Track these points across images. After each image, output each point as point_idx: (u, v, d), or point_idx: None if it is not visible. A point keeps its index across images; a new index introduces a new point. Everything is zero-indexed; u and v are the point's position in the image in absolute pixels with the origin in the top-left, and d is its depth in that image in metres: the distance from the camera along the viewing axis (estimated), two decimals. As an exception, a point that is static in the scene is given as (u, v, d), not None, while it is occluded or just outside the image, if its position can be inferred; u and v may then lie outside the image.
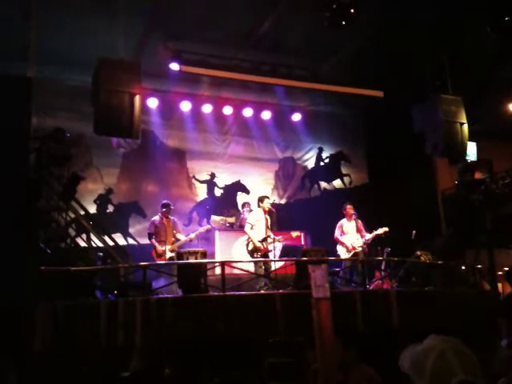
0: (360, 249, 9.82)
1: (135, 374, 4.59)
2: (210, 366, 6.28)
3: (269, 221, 9.20)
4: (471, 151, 12.24)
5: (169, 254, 9.27)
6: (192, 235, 9.62)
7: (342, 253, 9.82)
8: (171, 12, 9.22)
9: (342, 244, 9.84)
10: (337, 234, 9.93)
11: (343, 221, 10.01)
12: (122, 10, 8.06)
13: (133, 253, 10.69)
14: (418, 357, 1.90)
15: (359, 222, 10.00)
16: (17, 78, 10.40)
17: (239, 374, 5.31)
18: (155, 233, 9.47)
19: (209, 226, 10.36)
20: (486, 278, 10.80)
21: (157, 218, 9.65)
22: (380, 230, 9.86)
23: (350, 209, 10.00)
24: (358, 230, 9.95)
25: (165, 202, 9.83)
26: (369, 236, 9.86)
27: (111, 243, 10.70)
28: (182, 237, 9.60)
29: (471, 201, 12.03)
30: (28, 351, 6.59)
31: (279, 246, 9.52)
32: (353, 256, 9.74)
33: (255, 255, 8.97)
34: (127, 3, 8.08)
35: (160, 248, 9.27)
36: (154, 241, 9.41)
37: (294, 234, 9.42)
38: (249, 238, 9.09)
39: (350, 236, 9.91)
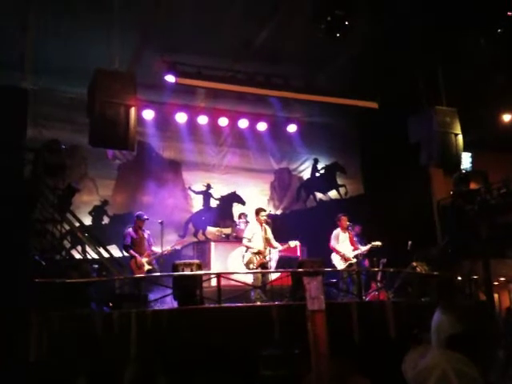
0: (355, 260, 9.86)
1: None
2: (205, 377, 6.23)
3: (268, 232, 9.19)
4: (466, 162, 12.27)
5: (146, 267, 9.23)
6: (168, 248, 9.46)
7: (337, 261, 9.84)
8: (167, 24, 9.25)
9: (338, 253, 9.84)
10: (333, 243, 9.93)
11: (338, 231, 10.03)
12: (117, 21, 8.07)
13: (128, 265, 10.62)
14: (420, 374, 1.89)
15: (352, 233, 10.10)
16: (12, 88, 10.38)
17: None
18: (132, 244, 9.36)
19: (183, 244, 10.30)
20: (482, 289, 10.78)
21: (131, 229, 9.47)
22: (374, 243, 9.96)
23: (344, 220, 10.02)
24: (352, 242, 9.99)
25: (138, 212, 9.71)
26: (363, 248, 9.95)
27: (106, 255, 10.64)
28: (156, 249, 9.51)
29: (466, 211, 12.04)
30: (23, 362, 6.53)
31: (275, 256, 9.51)
32: (348, 267, 9.76)
33: (251, 266, 8.97)
34: (123, 15, 8.10)
35: (139, 259, 9.20)
36: (133, 252, 9.28)
37: (292, 243, 9.39)
38: (246, 250, 9.10)
39: (345, 246, 9.93)
